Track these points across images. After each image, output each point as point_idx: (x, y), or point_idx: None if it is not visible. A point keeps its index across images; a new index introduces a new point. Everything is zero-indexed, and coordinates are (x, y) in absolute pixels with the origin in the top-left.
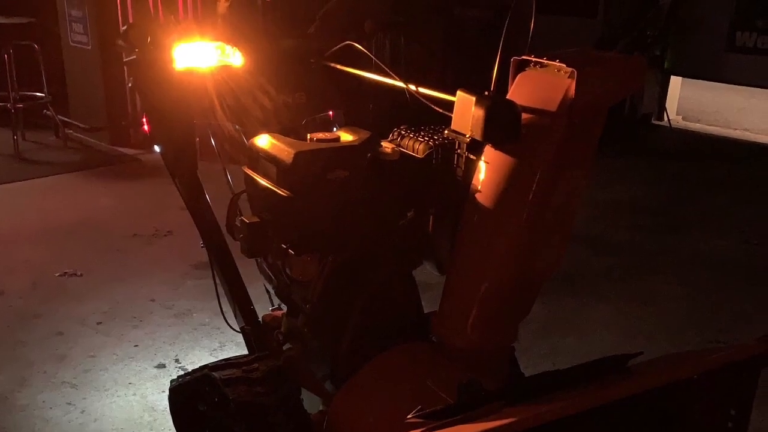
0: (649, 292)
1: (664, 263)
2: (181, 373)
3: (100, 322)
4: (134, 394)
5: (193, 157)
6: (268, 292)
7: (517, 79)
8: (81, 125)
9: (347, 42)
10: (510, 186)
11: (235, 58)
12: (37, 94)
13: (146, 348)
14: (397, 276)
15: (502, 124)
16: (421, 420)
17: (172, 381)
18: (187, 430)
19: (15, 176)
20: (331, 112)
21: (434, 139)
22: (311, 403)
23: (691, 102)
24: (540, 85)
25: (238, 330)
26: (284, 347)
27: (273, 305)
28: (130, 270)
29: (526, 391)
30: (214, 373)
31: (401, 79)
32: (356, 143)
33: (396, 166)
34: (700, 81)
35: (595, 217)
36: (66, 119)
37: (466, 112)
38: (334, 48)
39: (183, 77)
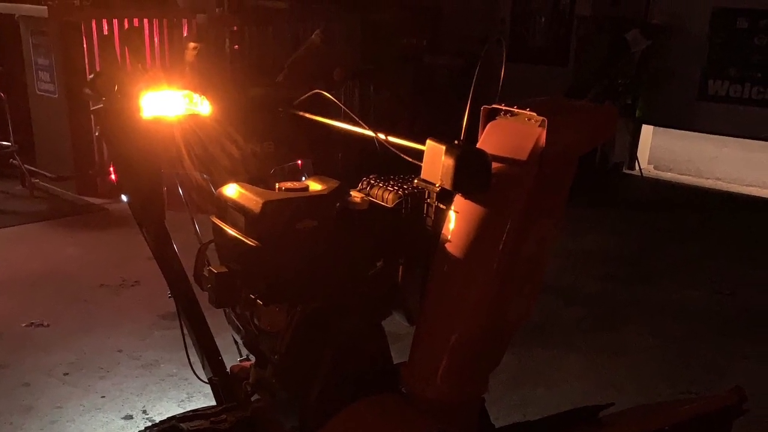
0: (620, 342)
1: (635, 314)
2: (149, 424)
3: (67, 373)
4: None
5: (161, 206)
6: (236, 342)
7: (487, 127)
8: (48, 174)
9: (316, 90)
10: (480, 236)
11: (202, 106)
12: (3, 143)
13: (113, 399)
14: (366, 326)
15: (472, 174)
16: None
17: None
18: None
19: None
20: (299, 161)
21: (404, 189)
22: None
23: (662, 151)
24: (510, 134)
25: (206, 381)
26: (252, 398)
27: (241, 356)
28: (97, 320)
29: None
30: (181, 424)
31: (370, 128)
32: (325, 193)
33: (365, 216)
34: (672, 130)
35: (565, 267)
36: (32, 168)
37: (435, 161)
38: (303, 97)
39: (150, 126)
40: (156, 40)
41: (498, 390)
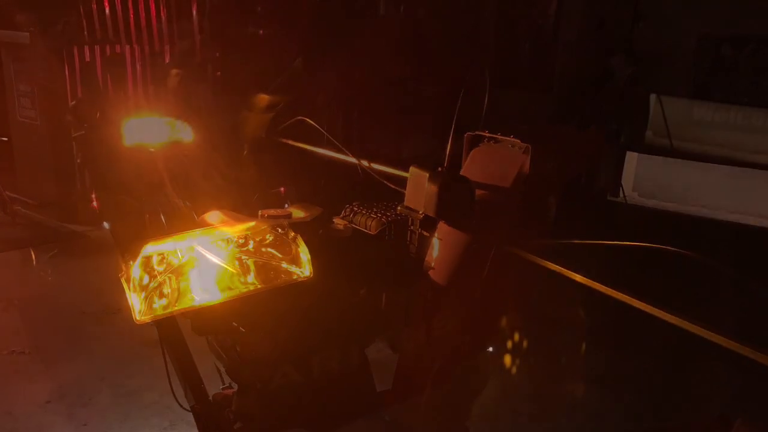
0: (604, 369)
1: (618, 340)
2: None
3: (49, 401)
4: None
5: (143, 234)
6: (218, 370)
7: (471, 154)
8: (29, 201)
9: (299, 117)
10: (464, 263)
11: (185, 133)
12: None
13: (95, 427)
14: (350, 354)
15: (456, 201)
16: None
17: None
18: None
19: None
20: (282, 188)
21: (387, 216)
22: None
23: (647, 177)
24: (494, 161)
25: (189, 409)
26: (235, 426)
27: (224, 384)
28: (79, 348)
29: None
30: None
31: (354, 154)
32: (308, 219)
33: (348, 243)
34: (657, 156)
35: (549, 293)
36: (14, 195)
37: (419, 188)
38: (286, 123)
39: (132, 153)
40: (138, 67)
41: (480, 420)
